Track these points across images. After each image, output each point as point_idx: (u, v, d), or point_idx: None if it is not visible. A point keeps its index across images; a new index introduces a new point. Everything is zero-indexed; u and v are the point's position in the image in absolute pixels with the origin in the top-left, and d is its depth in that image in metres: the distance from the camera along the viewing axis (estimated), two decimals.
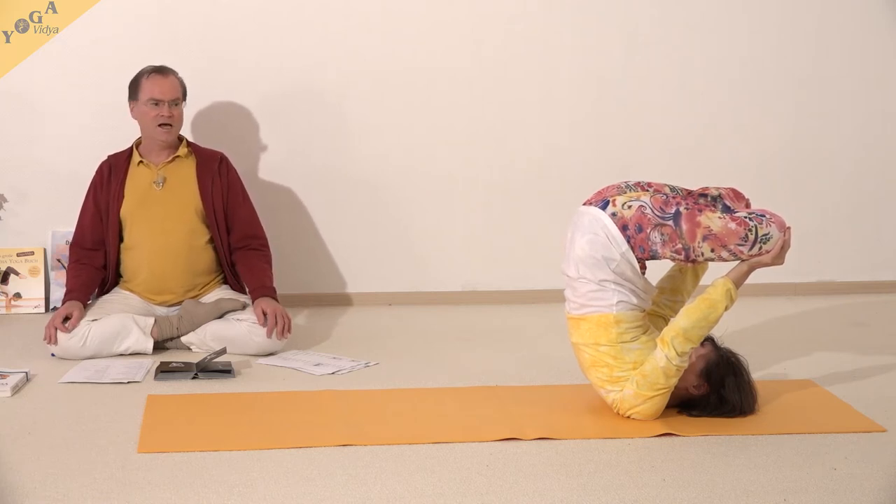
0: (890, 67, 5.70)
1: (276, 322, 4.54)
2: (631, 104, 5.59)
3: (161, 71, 4.73)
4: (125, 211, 4.73)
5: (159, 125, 4.69)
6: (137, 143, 4.82)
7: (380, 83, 5.44)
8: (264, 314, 4.55)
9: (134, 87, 4.74)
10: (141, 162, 4.77)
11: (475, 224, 5.59)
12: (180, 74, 4.80)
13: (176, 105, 4.72)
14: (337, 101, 5.43)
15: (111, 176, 4.76)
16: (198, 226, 4.77)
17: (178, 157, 4.78)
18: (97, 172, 4.81)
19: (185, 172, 4.79)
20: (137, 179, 4.76)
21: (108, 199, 4.74)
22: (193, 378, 4.23)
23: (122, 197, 4.74)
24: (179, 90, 4.74)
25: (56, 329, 4.45)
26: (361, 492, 3.21)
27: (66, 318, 4.47)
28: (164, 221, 4.72)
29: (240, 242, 4.82)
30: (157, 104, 4.69)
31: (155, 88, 4.69)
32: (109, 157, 4.83)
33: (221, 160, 4.85)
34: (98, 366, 4.35)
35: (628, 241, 3.71)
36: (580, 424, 3.76)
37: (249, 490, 3.21)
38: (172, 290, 4.74)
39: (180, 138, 4.84)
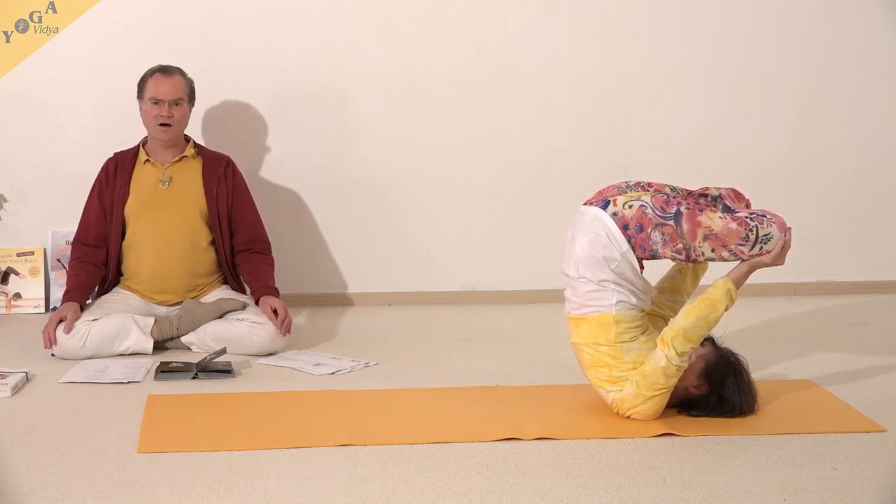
0: (891, 68, 5.70)
1: (286, 316, 4.56)
2: (631, 105, 5.59)
3: (165, 71, 4.73)
4: (129, 209, 4.73)
5: (159, 124, 4.70)
6: (144, 142, 4.82)
7: (380, 84, 5.44)
8: (273, 311, 4.56)
9: (140, 85, 4.75)
10: (147, 160, 4.77)
11: (475, 224, 5.59)
12: None
13: (177, 105, 4.72)
14: (338, 101, 5.43)
15: (117, 173, 4.76)
16: (201, 227, 4.77)
17: (184, 157, 4.78)
18: (102, 170, 4.81)
19: (192, 173, 4.79)
20: (143, 178, 4.76)
21: (114, 197, 4.74)
22: (193, 378, 4.23)
23: (128, 194, 4.74)
24: (183, 90, 4.73)
25: (52, 333, 4.45)
26: (361, 492, 3.21)
27: (61, 321, 4.48)
28: (169, 221, 4.72)
29: (243, 246, 4.83)
30: (157, 103, 4.69)
31: (157, 88, 4.69)
32: (116, 154, 4.84)
33: (227, 163, 4.85)
34: (98, 366, 4.35)
35: (629, 241, 3.71)
36: (580, 424, 3.76)
37: (249, 490, 3.21)
38: (173, 289, 4.74)
39: (187, 139, 4.85)
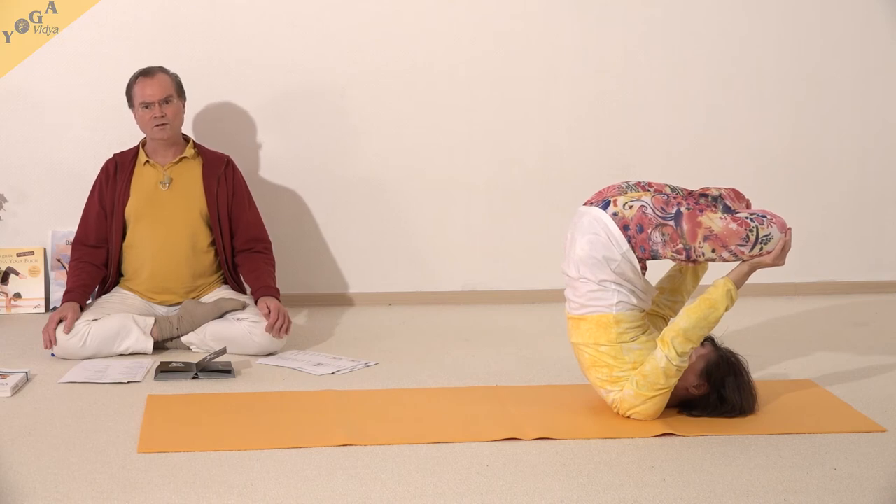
0: (890, 67, 5.70)
1: (278, 319, 4.55)
2: (631, 104, 5.59)
3: (147, 73, 4.72)
4: (130, 210, 4.73)
5: (156, 125, 4.69)
6: (143, 143, 4.82)
7: (380, 83, 5.44)
8: (268, 309, 4.56)
9: (128, 93, 4.75)
10: (147, 161, 4.77)
11: (475, 224, 5.59)
12: (180, 74, 4.80)
13: (168, 102, 4.70)
14: (337, 101, 5.43)
15: (117, 174, 4.76)
16: (201, 228, 4.76)
17: (184, 157, 4.78)
18: (102, 170, 4.81)
19: (192, 174, 4.78)
20: (144, 179, 4.76)
21: (114, 198, 4.74)
22: (193, 378, 4.23)
23: (128, 195, 4.73)
24: (170, 87, 4.72)
25: (52, 333, 4.45)
26: (361, 492, 3.21)
27: (61, 321, 4.48)
28: (169, 222, 4.72)
29: (244, 246, 4.82)
30: (147, 106, 4.68)
31: (144, 91, 4.68)
32: (115, 155, 4.83)
33: (227, 163, 4.85)
34: (98, 366, 4.35)
35: (629, 242, 3.71)
36: (580, 424, 3.76)
37: (249, 490, 3.22)
38: (173, 290, 4.74)
39: (186, 139, 4.84)
